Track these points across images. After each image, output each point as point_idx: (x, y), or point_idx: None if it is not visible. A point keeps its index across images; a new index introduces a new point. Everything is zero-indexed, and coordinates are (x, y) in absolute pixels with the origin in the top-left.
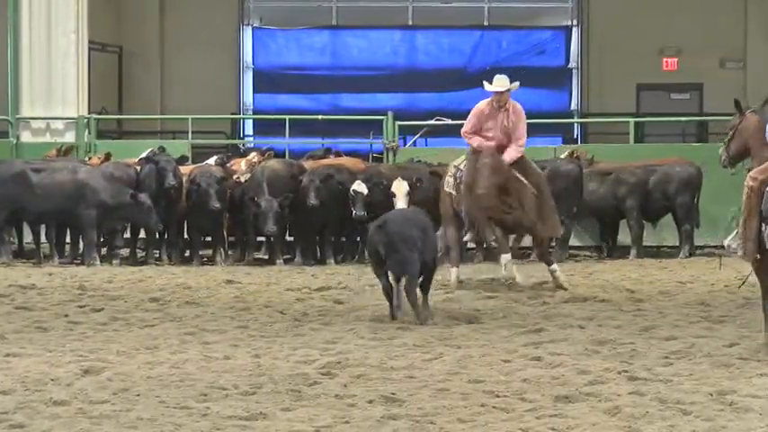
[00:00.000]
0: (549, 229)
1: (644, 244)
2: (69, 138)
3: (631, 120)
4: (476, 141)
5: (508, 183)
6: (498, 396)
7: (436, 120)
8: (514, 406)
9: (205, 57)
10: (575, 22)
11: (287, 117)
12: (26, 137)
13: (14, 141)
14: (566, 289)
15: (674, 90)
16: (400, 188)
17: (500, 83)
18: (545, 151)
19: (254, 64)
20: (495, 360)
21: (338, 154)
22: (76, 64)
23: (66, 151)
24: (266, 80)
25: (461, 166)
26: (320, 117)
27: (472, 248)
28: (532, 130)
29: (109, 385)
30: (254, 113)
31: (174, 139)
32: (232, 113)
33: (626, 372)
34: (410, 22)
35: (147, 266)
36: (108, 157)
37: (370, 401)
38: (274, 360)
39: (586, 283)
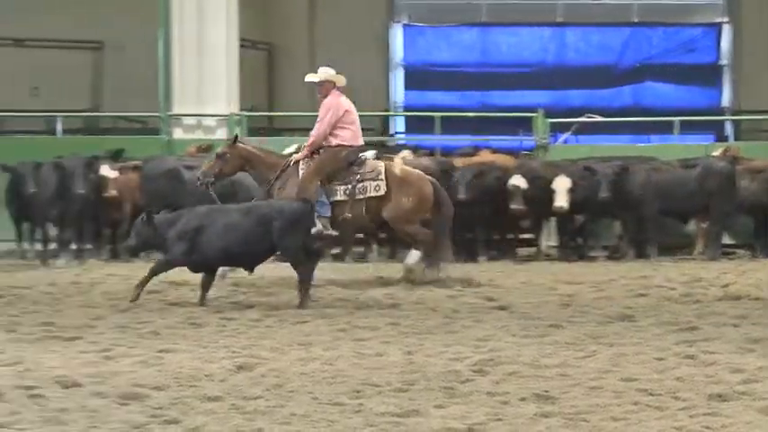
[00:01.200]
0: None
1: None
2: (220, 134)
3: None
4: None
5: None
6: (652, 394)
7: (586, 116)
8: (668, 404)
9: (355, 54)
10: (726, 18)
11: (437, 114)
12: (178, 134)
13: (166, 138)
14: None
15: None
16: (562, 184)
17: (319, 74)
18: (697, 149)
19: (404, 61)
20: (648, 358)
21: (492, 151)
22: (227, 62)
23: (206, 148)
24: (416, 77)
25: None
26: (470, 114)
27: None
28: (684, 128)
29: (262, 381)
30: (404, 110)
31: None
32: (382, 110)
33: None
34: (559, 20)
35: None
36: None
37: (523, 399)
38: (427, 357)
39: (740, 281)
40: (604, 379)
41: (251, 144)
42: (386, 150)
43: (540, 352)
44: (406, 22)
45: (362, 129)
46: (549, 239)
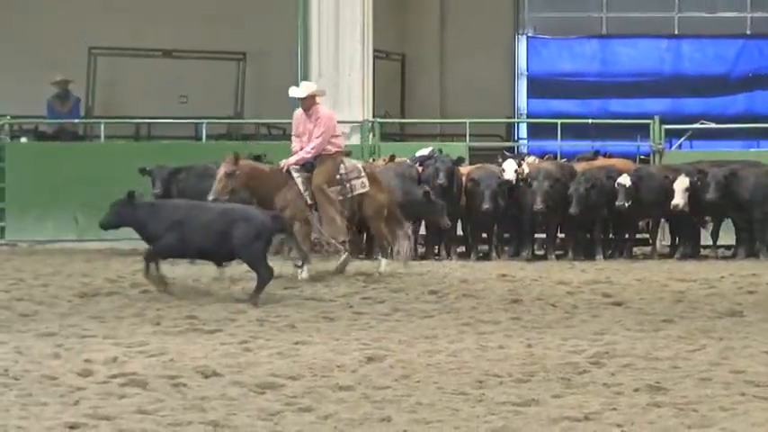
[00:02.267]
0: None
1: None
2: (354, 140)
3: None
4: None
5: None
6: (759, 386)
7: (701, 123)
8: None
9: (482, 64)
10: None
11: (559, 121)
12: None
13: None
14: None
15: None
16: (681, 184)
17: (303, 89)
18: None
19: (528, 71)
20: (756, 352)
21: (608, 156)
22: (362, 71)
23: (346, 153)
24: (539, 86)
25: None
26: (590, 121)
27: None
28: None
29: (391, 372)
30: (527, 117)
31: (452, 141)
32: (507, 117)
33: None
34: (676, 32)
35: (428, 261)
36: (392, 158)
37: (636, 390)
38: (546, 350)
39: None
40: (713, 371)
41: (249, 161)
42: (514, 156)
43: (653, 345)
44: (530, 34)
45: (488, 135)
46: (663, 239)
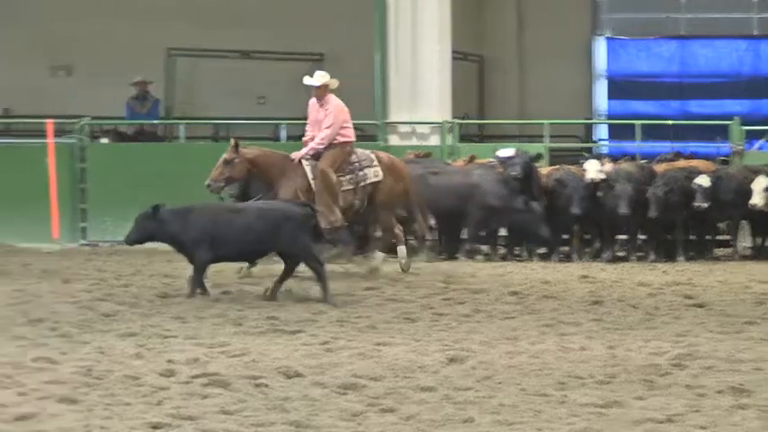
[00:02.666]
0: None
1: None
2: (433, 141)
3: None
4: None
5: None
6: None
7: None
8: None
9: (561, 65)
10: None
11: (638, 122)
12: (393, 140)
13: (383, 144)
14: None
15: None
16: (760, 184)
17: (317, 78)
18: None
19: (607, 72)
20: None
21: (690, 156)
22: (440, 72)
23: (425, 155)
24: (618, 87)
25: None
26: (669, 122)
27: None
28: None
29: (472, 373)
30: (606, 119)
31: (530, 142)
32: (586, 118)
33: None
34: (755, 32)
35: (509, 262)
36: (472, 158)
37: (719, 392)
38: (628, 351)
39: None
40: None
41: (255, 148)
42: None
43: (735, 347)
44: (609, 35)
45: (567, 136)
46: (744, 240)
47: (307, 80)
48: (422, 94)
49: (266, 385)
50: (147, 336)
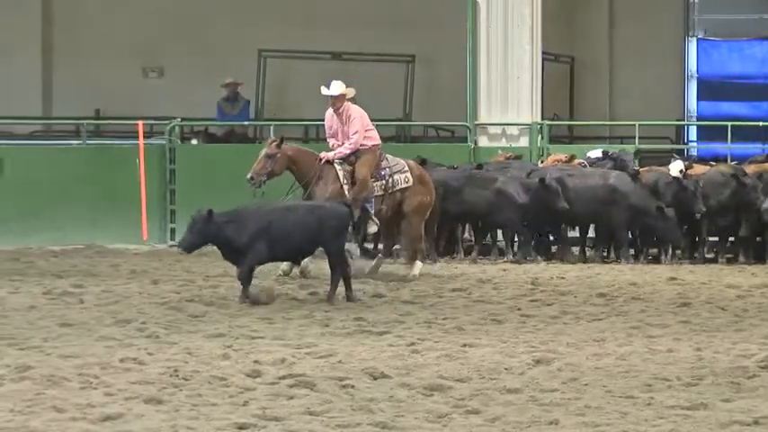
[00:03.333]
0: None
1: None
2: (523, 142)
3: None
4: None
5: None
6: None
7: None
8: None
9: (651, 66)
10: None
11: (729, 123)
12: (483, 141)
13: (472, 146)
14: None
15: None
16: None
17: (334, 88)
18: None
19: (698, 73)
20: None
21: None
22: (531, 74)
23: (516, 156)
24: (709, 88)
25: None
26: (761, 123)
27: None
28: None
29: (558, 375)
30: (697, 120)
31: (621, 143)
32: (677, 120)
33: None
34: None
35: (596, 264)
36: (572, 158)
37: None
38: (715, 354)
39: None
40: None
41: (293, 145)
42: (683, 158)
43: None
44: (701, 36)
45: (657, 137)
46: None
47: (324, 90)
48: (512, 95)
49: (352, 386)
50: (234, 336)
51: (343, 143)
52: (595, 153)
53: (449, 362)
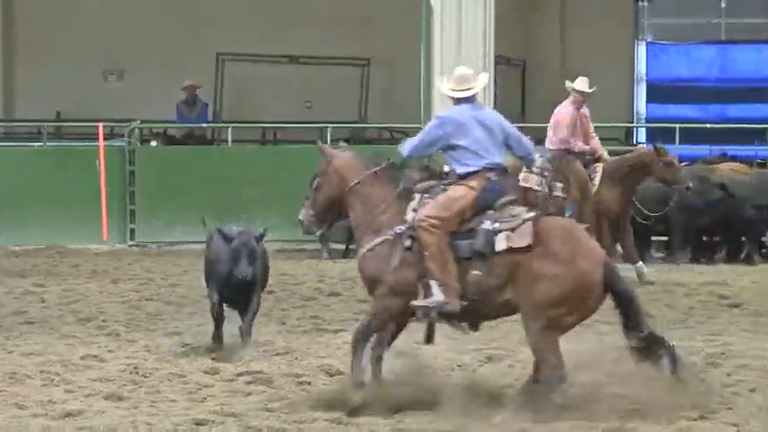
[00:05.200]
0: None
1: None
2: None
3: None
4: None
5: None
6: None
7: None
8: None
9: (601, 70)
10: None
11: (677, 125)
12: None
13: None
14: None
15: None
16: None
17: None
18: None
19: (647, 76)
20: None
21: (733, 159)
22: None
23: None
24: (658, 91)
25: None
26: (708, 126)
27: None
28: None
29: (509, 372)
30: (646, 122)
31: None
32: (626, 122)
33: None
34: None
35: None
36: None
37: (752, 390)
38: None
39: None
40: None
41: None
42: None
43: None
44: (650, 40)
45: (607, 138)
46: None
47: (578, 85)
48: None
49: (309, 383)
50: (192, 334)
51: (587, 142)
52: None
53: (402, 359)
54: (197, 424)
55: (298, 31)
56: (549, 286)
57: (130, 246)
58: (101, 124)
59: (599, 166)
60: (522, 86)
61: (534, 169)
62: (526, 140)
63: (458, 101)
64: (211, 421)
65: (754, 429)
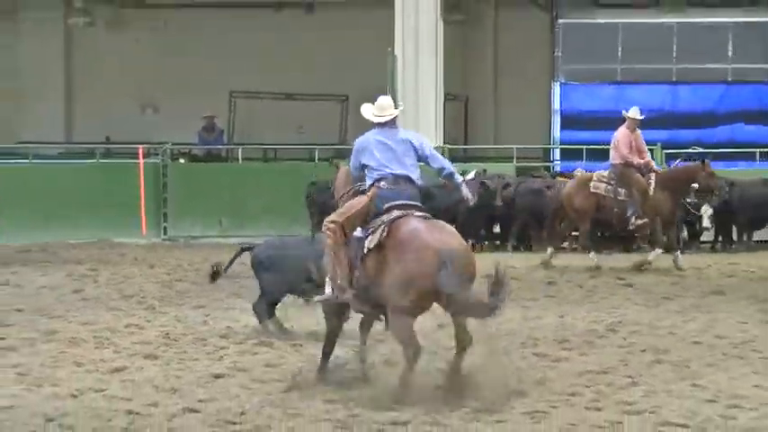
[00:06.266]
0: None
1: None
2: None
3: None
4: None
5: None
6: (736, 347)
7: (692, 149)
8: (749, 354)
9: (526, 104)
10: None
11: (584, 147)
12: None
13: None
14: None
15: None
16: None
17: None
18: None
19: (561, 109)
20: (734, 322)
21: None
22: (435, 109)
23: None
24: (569, 121)
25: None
26: (607, 146)
27: None
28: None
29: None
30: (560, 144)
31: (504, 162)
32: (545, 144)
33: None
34: (674, 79)
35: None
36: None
37: (643, 350)
38: (573, 320)
39: None
40: (702, 336)
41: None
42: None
43: (656, 317)
44: (563, 81)
45: (530, 157)
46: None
47: (632, 113)
48: (422, 124)
49: (301, 345)
50: (212, 308)
51: (642, 158)
52: (470, 175)
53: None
54: (215, 377)
55: (292, 74)
56: (389, 276)
57: (163, 240)
58: (141, 146)
59: (653, 176)
60: (465, 117)
61: (602, 179)
62: (441, 157)
63: (376, 124)
64: (227, 375)
65: (645, 380)
